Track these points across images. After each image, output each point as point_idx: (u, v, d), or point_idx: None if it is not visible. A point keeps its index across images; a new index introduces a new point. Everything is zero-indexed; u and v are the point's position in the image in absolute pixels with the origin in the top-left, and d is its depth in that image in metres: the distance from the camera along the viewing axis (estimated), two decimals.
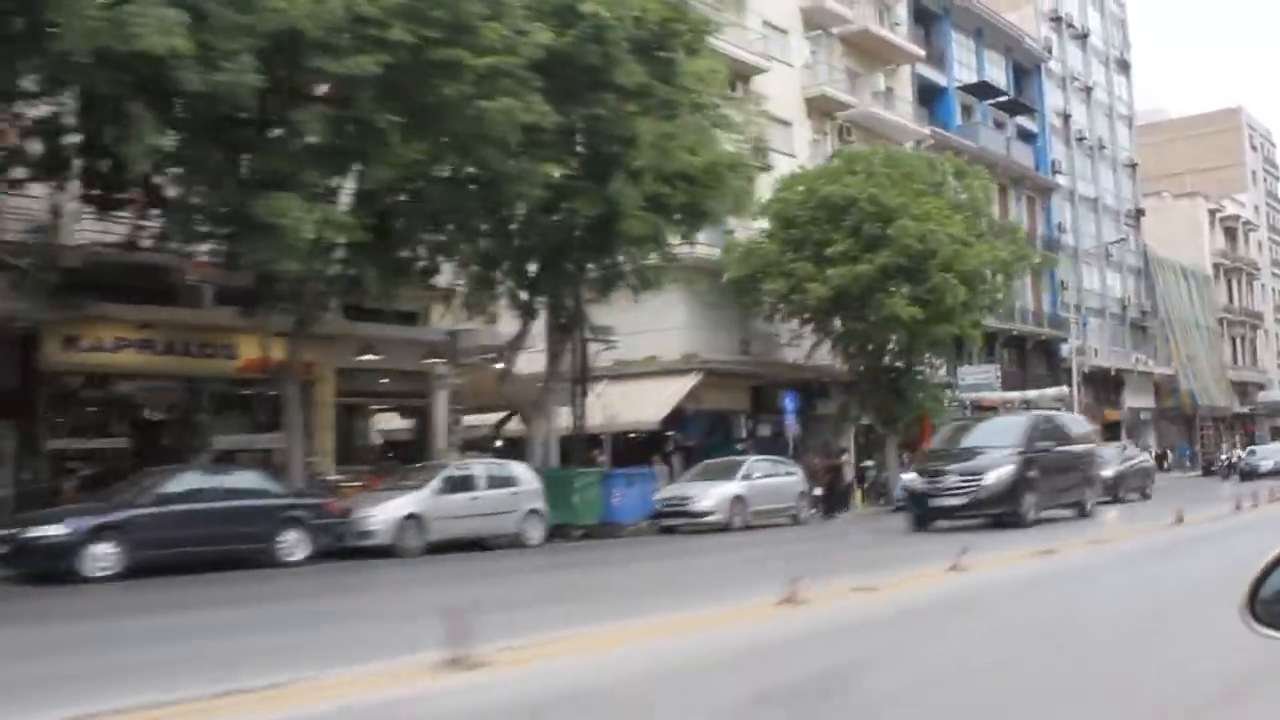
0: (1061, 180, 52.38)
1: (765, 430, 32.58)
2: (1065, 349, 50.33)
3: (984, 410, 43.90)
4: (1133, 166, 61.37)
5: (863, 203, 26.21)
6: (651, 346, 30.45)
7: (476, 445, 22.85)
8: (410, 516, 15.43)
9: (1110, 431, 55.35)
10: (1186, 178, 74.93)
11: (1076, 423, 25.02)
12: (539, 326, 21.10)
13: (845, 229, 26.41)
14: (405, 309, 22.63)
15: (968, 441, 20.98)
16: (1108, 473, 25.54)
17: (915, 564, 11.39)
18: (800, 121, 34.83)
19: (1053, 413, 25.37)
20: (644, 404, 28.05)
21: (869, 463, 30.31)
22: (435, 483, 16.12)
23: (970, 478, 18.37)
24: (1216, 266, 71.04)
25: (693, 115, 18.07)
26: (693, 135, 17.64)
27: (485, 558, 15.54)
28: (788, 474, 23.86)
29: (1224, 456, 48.03)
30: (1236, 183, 78.42)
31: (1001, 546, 13.21)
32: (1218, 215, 72.71)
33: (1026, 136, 50.55)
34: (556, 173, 15.63)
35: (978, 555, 10.84)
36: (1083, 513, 20.70)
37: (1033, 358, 48.14)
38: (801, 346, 31.27)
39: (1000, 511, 18.32)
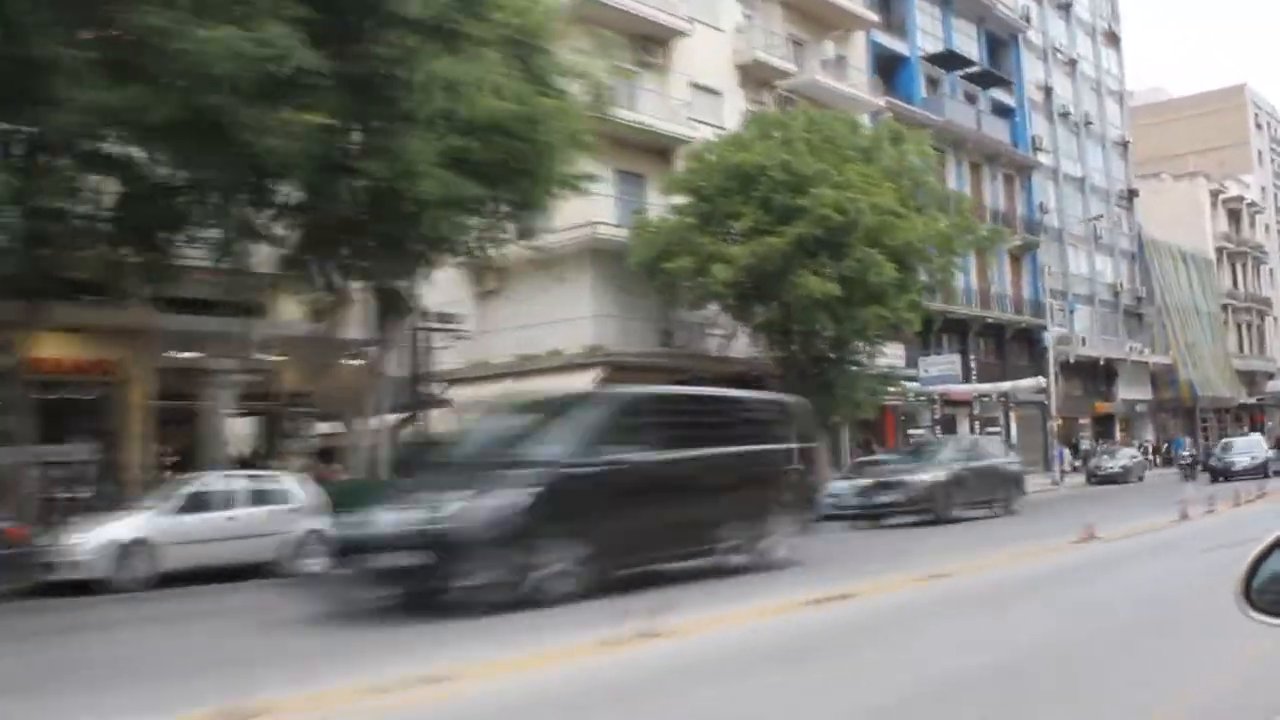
0: (1043, 158, 49.06)
1: None
2: (1049, 337, 47.07)
3: (954, 404, 40.84)
4: (1124, 145, 57.93)
5: (774, 170, 23.15)
6: (560, 339, 27.54)
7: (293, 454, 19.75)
8: (135, 542, 12.55)
9: (1103, 425, 52.11)
10: (1189, 159, 71.40)
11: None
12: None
13: (755, 200, 23.36)
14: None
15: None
16: (924, 478, 21.36)
17: None
18: (731, 91, 31.79)
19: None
20: None
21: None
22: (172, 501, 13.22)
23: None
24: (1220, 250, 67.41)
25: (509, 55, 15.06)
26: (506, 78, 14.62)
27: (227, 592, 12.57)
28: None
29: (1187, 452, 40.99)
30: (1242, 163, 74.69)
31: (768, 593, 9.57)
32: (1220, 197, 69.05)
33: (1004, 112, 47.27)
34: (318, 120, 12.66)
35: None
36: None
37: (1012, 347, 44.86)
38: (733, 337, 28.26)
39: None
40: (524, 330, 28.27)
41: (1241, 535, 3.86)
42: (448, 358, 30.92)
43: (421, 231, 15.12)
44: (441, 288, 31.60)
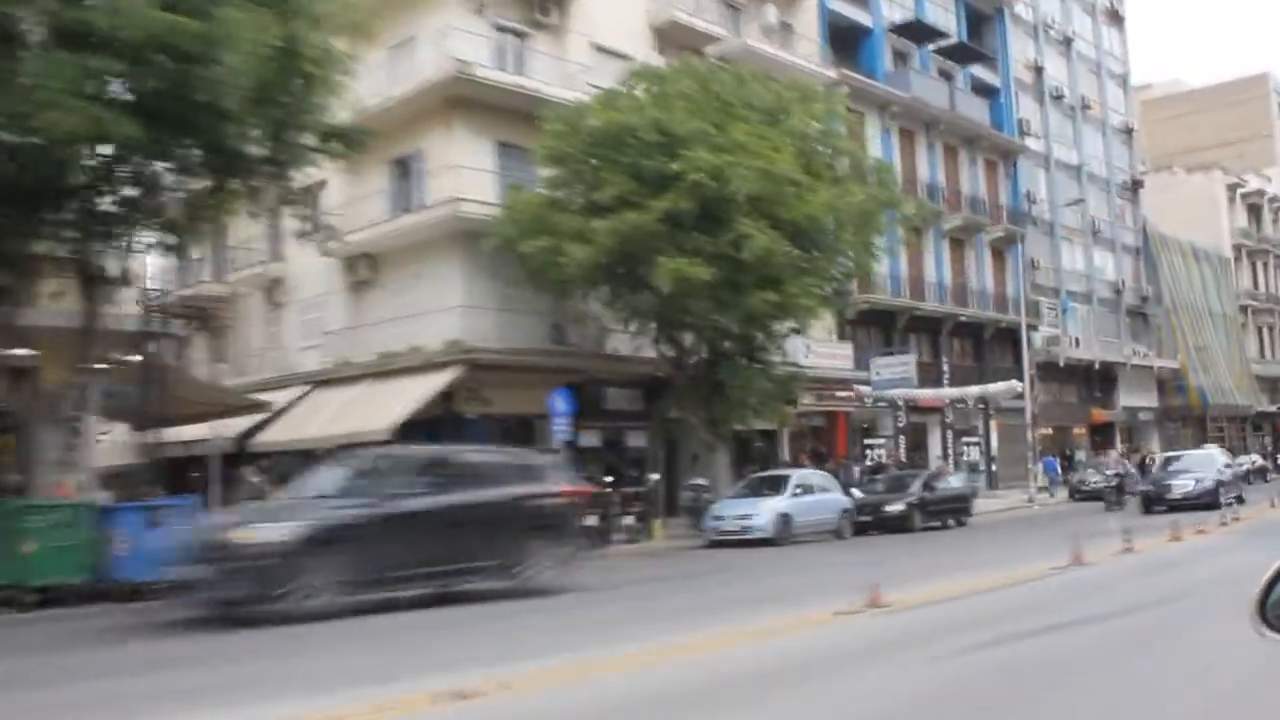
0: (1032, 143, 44.92)
1: (592, 439, 25.90)
2: (1038, 338, 42.92)
3: (923, 411, 36.83)
4: (1128, 131, 53.60)
5: (644, 131, 19.46)
6: (428, 335, 23.99)
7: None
8: None
9: (1101, 435, 47.78)
10: (1210, 153, 66.91)
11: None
12: None
13: (623, 168, 19.68)
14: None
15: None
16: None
17: None
18: (647, 56, 28.02)
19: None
20: (378, 410, 21.59)
21: (700, 481, 23.43)
22: None
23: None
24: (1238, 248, 62.86)
25: None
26: None
27: None
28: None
29: (1112, 470, 32.52)
30: (1265, 156, 69.96)
31: None
32: (1239, 191, 64.45)
33: (986, 92, 43.25)
34: None
35: None
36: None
37: (993, 348, 40.77)
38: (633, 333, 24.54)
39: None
40: (391, 325, 24.77)
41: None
42: (310, 358, 27.54)
43: (70, 183, 11.58)
44: (312, 279, 28.33)
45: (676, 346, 22.42)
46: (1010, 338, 41.77)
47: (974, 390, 34.27)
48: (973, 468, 39.69)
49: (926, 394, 34.17)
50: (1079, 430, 46.15)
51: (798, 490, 20.78)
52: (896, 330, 35.73)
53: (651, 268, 19.23)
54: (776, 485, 21.14)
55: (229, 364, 30.73)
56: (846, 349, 31.95)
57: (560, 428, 21.00)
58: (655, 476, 23.74)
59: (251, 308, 30.56)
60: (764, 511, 19.90)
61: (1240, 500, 25.96)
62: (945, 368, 37.74)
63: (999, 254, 42.12)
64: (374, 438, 22.12)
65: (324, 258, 27.30)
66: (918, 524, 23.12)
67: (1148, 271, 52.90)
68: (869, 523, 22.86)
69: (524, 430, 25.54)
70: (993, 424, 39.87)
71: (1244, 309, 61.53)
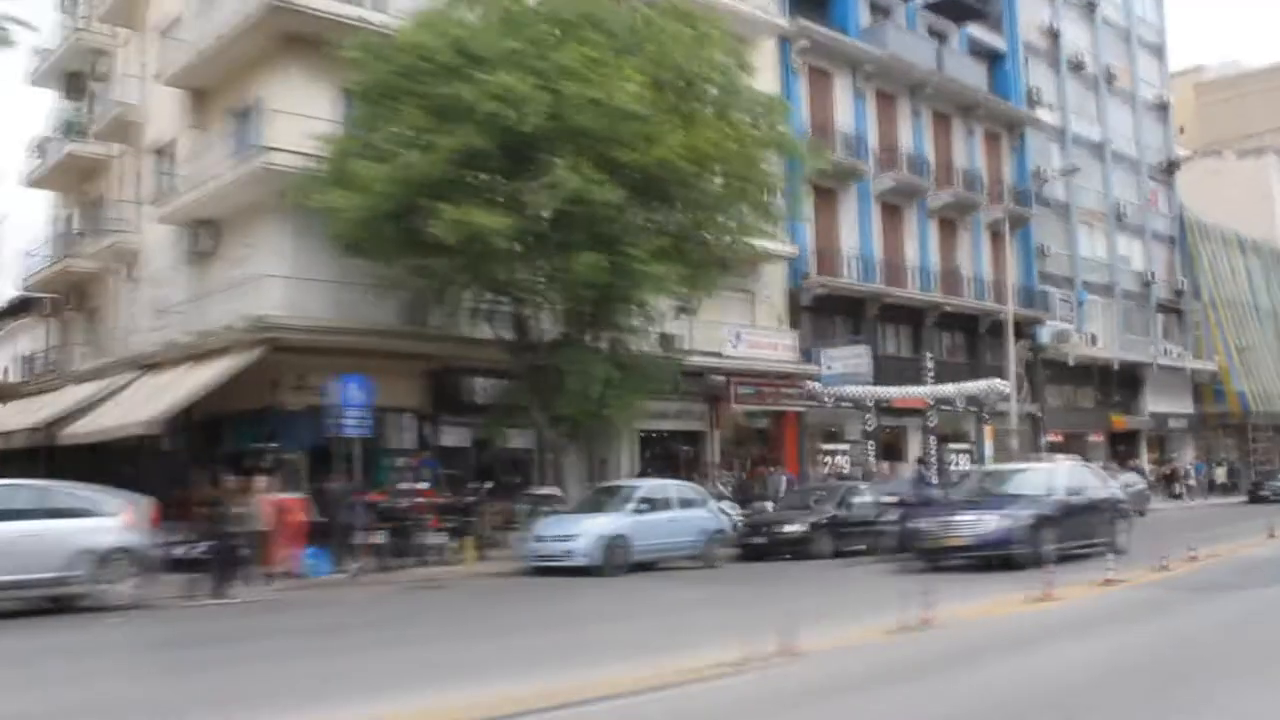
0: (1045, 115, 40.02)
1: (458, 438, 22.02)
2: (1045, 333, 38.09)
3: (900, 413, 32.27)
4: (1163, 108, 48.21)
5: (442, 54, 15.49)
6: (246, 311, 20.24)
7: None
8: None
9: (1127, 445, 42.68)
10: (1266, 138, 61.08)
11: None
12: None
13: (416, 100, 15.73)
14: None
15: None
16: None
17: None
18: None
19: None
20: (150, 402, 17.96)
21: (549, 491, 19.30)
22: None
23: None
24: None
25: None
26: None
27: None
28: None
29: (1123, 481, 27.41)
30: None
31: None
32: None
33: (991, 56, 38.52)
34: None
35: None
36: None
37: (990, 343, 35.99)
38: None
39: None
40: (224, 300, 21.12)
41: None
42: (155, 339, 23.95)
43: None
44: (159, 251, 24.88)
45: (517, 326, 18.40)
46: (1014, 333, 36.96)
47: (949, 389, 29.69)
48: (961, 478, 35.05)
49: (892, 392, 29.65)
50: (1095, 438, 41.07)
51: (642, 506, 16.58)
52: (865, 320, 31.26)
53: (435, 219, 15.22)
54: (615, 500, 16.98)
55: (90, 345, 27.47)
56: (788, 338, 27.59)
57: (352, 422, 17.08)
58: (488, 485, 19.66)
59: (115, 284, 27.24)
60: (587, 532, 15.77)
61: (1113, 549, 15.87)
62: (928, 364, 33.13)
63: (1000, 238, 37.27)
64: (135, 433, 18.58)
65: (170, 227, 23.95)
66: (828, 549, 18.72)
67: (1183, 263, 47.52)
68: (764, 546, 18.57)
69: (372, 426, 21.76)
70: (986, 429, 35.10)
71: None
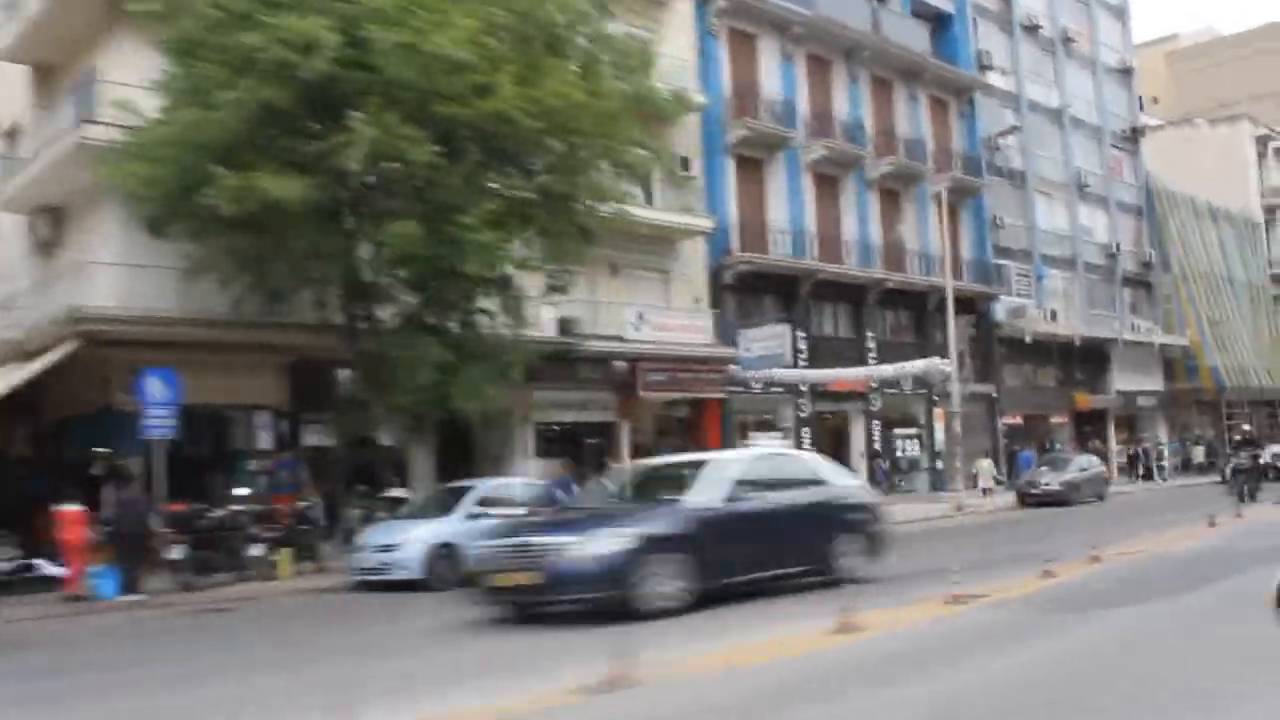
0: (997, 80, 37.92)
1: (322, 437, 19.92)
2: (1000, 310, 36.05)
3: (839, 397, 30.19)
4: (1125, 72, 46.11)
5: (240, 2, 13.41)
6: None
7: None
8: None
9: (1094, 425, 40.71)
10: (1242, 106, 58.97)
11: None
12: None
13: (211, 55, 13.64)
14: None
15: None
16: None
17: None
18: None
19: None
20: None
21: (395, 493, 17.15)
22: None
23: None
24: (1270, 209, 54.91)
25: None
26: None
27: None
28: None
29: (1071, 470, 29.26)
30: None
31: None
32: (1271, 145, 56.42)
33: (937, 19, 36.41)
34: None
35: None
36: None
37: (939, 321, 33.85)
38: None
39: None
40: (58, 293, 19.02)
41: None
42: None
43: None
44: (5, 243, 22.77)
45: (345, 308, 16.30)
46: (966, 309, 34.93)
47: (885, 370, 27.61)
48: (911, 465, 33.11)
49: (823, 375, 27.58)
50: (1059, 419, 39.05)
51: (476, 509, 14.45)
52: (798, 299, 29.18)
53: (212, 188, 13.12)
54: (452, 501, 14.86)
55: None
56: (704, 320, 25.50)
57: (156, 421, 14.99)
58: (310, 501, 17.46)
59: None
60: (411, 541, 13.68)
61: (831, 574, 11.31)
62: (870, 344, 31.07)
63: (950, 210, 35.16)
64: None
65: (19, 216, 21.88)
66: None
67: (1151, 234, 45.46)
68: None
69: (218, 427, 19.71)
70: (936, 412, 33.07)
71: (1277, 279, 53.60)
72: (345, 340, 16.35)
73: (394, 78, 13.39)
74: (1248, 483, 23.09)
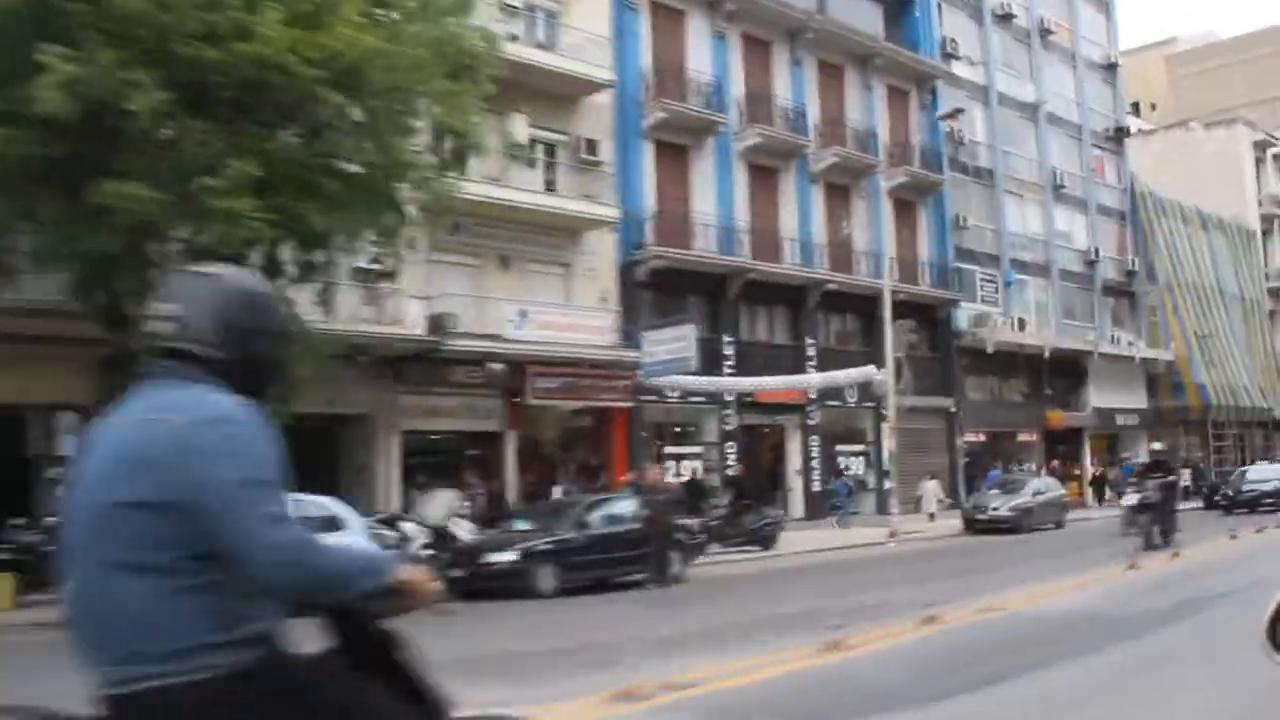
0: (963, 70, 35.25)
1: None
2: (962, 318, 33.31)
3: (778, 409, 27.45)
4: (1110, 68, 43.36)
5: None
6: None
7: None
8: None
9: (1068, 445, 37.92)
10: (1242, 112, 56.13)
11: None
12: None
13: None
14: None
15: None
16: None
17: None
18: None
19: None
20: None
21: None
22: None
23: None
24: (1268, 219, 51.95)
25: None
26: None
27: None
28: None
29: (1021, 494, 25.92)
30: None
31: None
32: (1270, 151, 53.49)
33: (897, 1, 33.75)
34: None
35: None
36: None
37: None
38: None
39: None
40: None
41: None
42: None
43: None
44: None
45: (79, 290, 13.67)
46: (925, 315, 32.24)
47: (814, 379, 24.86)
48: (858, 485, 30.26)
49: (743, 384, 24.85)
50: (1027, 436, 36.23)
51: None
52: (725, 300, 26.52)
53: None
54: None
55: None
56: (601, 319, 22.83)
57: None
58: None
59: None
60: None
61: None
62: (811, 352, 28.33)
63: (907, 207, 32.53)
64: None
65: None
66: (549, 585, 14.05)
67: (1136, 241, 42.64)
68: (466, 581, 13.82)
69: (14, 430, 17.17)
70: (885, 427, 30.30)
71: (1274, 292, 50.62)
72: (106, 330, 13.72)
73: (122, 9, 10.82)
74: (1158, 521, 17.42)
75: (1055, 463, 33.23)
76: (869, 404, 29.71)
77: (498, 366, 20.74)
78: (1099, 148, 41.78)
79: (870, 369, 24.59)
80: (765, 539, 20.98)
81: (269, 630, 2.06)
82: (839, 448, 29.70)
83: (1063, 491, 27.96)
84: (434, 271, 21.55)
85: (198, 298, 2.19)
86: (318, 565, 2.05)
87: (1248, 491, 29.06)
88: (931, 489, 26.78)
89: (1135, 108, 65.31)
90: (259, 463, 2.04)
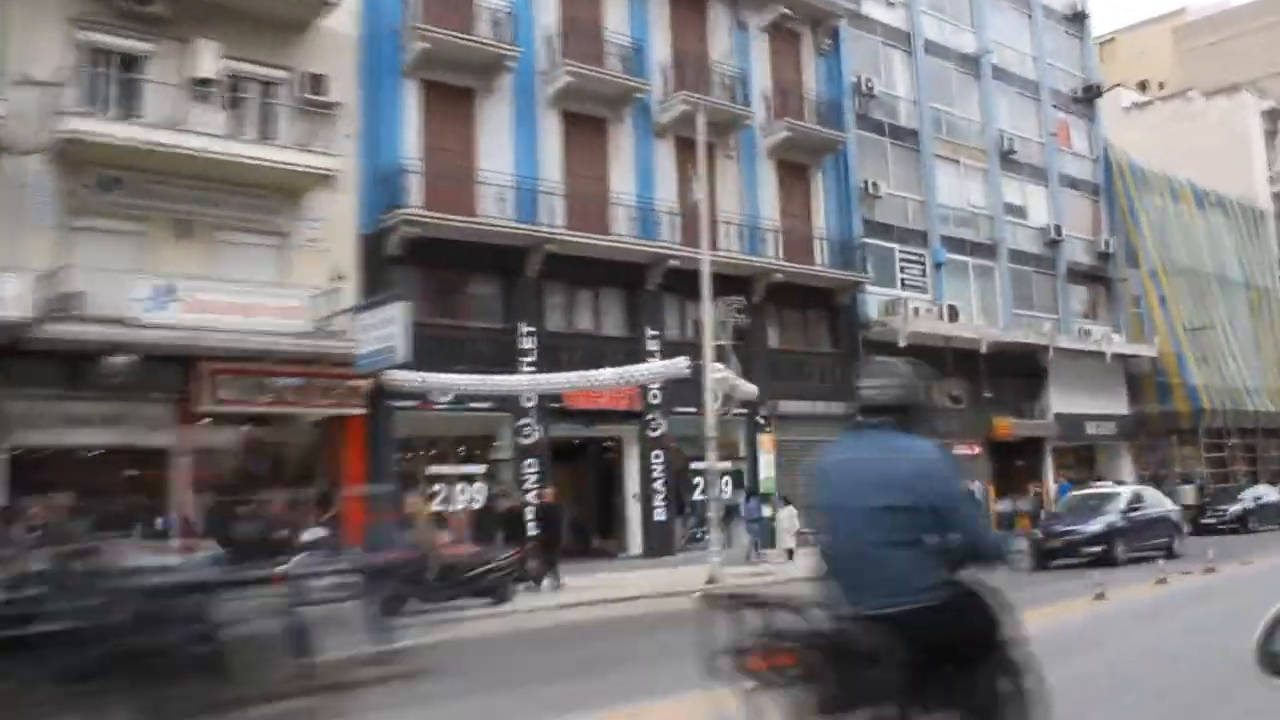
0: (879, 11, 29.45)
1: None
2: (870, 305, 27.44)
3: (613, 417, 21.71)
4: (1078, 19, 37.17)
5: None
6: None
7: None
8: None
9: (1027, 460, 31.84)
10: (1259, 84, 49.62)
11: None
12: None
13: None
14: None
15: None
16: None
17: None
18: None
19: None
20: None
21: None
22: None
23: None
24: None
25: None
26: None
27: None
28: None
29: None
30: None
31: None
32: None
33: None
34: None
35: None
36: None
37: (773, 313, 25.55)
38: None
39: None
40: None
41: None
42: None
43: None
44: None
45: None
46: (822, 303, 26.46)
47: (606, 375, 19.02)
48: (729, 512, 24.30)
49: (512, 383, 19.09)
50: (968, 449, 30.01)
51: None
52: (521, 279, 20.93)
53: None
54: None
55: None
56: (296, 299, 17.28)
57: None
58: None
59: None
60: None
61: None
62: (653, 345, 22.58)
63: (797, 171, 26.73)
64: None
65: None
66: None
67: (1112, 219, 36.37)
68: None
69: None
70: (762, 439, 24.47)
71: None
72: None
73: None
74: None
75: (976, 482, 26.92)
76: (740, 412, 23.88)
77: (120, 360, 15.29)
78: (1063, 110, 35.64)
79: (680, 360, 18.79)
80: (492, 589, 15.26)
81: (957, 578, 3.63)
82: (696, 465, 23.83)
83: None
84: (74, 240, 16.30)
85: (894, 376, 3.80)
86: (999, 544, 3.76)
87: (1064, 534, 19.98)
88: (786, 518, 20.94)
89: (1142, 86, 59.04)
90: (959, 481, 3.74)
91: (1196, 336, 36.31)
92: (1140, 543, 19.78)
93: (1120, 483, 33.85)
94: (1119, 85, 50.35)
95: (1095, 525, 19.74)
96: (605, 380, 18.76)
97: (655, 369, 19.15)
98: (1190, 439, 36.85)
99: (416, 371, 18.30)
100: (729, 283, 24.11)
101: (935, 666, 3.45)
